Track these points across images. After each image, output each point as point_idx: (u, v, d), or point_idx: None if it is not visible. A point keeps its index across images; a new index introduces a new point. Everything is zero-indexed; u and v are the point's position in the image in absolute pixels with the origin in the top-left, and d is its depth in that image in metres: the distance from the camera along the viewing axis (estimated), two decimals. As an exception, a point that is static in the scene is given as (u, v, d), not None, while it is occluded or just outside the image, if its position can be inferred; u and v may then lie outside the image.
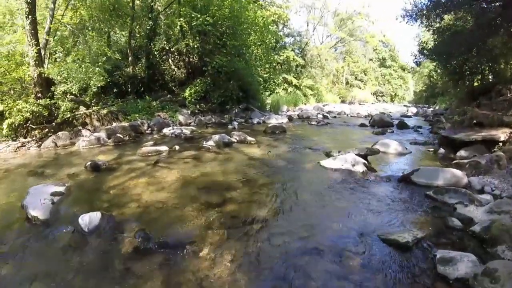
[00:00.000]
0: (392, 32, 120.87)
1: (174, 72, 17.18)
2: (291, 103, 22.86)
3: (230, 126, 11.73)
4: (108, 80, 13.52)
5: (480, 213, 3.43)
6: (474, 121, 7.80)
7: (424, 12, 13.49)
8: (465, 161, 5.35)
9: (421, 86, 53.47)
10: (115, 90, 14.37)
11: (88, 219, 3.20)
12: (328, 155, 6.33)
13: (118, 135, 8.55)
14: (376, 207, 3.82)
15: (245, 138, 8.23)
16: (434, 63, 25.09)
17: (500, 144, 6.11)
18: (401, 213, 3.65)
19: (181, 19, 14.33)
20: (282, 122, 13.40)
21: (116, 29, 15.13)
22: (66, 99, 10.04)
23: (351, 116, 18.99)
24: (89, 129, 9.67)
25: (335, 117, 17.81)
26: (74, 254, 2.85)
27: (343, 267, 2.58)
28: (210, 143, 7.61)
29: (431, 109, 26.16)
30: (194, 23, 13.65)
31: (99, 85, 12.71)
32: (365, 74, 51.10)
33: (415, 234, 2.96)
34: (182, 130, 9.96)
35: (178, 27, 14.84)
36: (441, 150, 6.97)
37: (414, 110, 25.99)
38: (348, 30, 43.01)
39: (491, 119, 7.28)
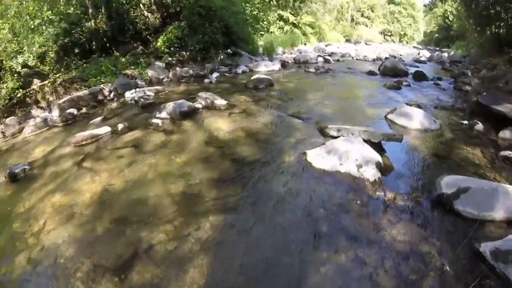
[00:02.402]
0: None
1: (147, 19, 14.60)
2: (288, 44, 19.98)
3: (206, 80, 9.45)
4: (67, 40, 11.68)
5: None
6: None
7: None
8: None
9: (432, 27, 50.28)
10: (76, 50, 12.11)
11: None
12: (322, 132, 4.31)
13: (69, 110, 6.84)
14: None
15: (213, 102, 6.06)
16: (451, 2, 22.33)
17: None
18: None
19: None
20: (273, 70, 11.08)
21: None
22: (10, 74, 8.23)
23: (357, 59, 16.29)
24: (42, 107, 7.90)
25: (338, 60, 15.09)
26: None
27: None
28: (163, 115, 5.57)
29: (446, 54, 23.51)
30: None
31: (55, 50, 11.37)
32: (372, 11, 47.83)
33: None
34: (145, 93, 7.85)
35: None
36: (479, 126, 4.93)
37: (427, 54, 23.38)
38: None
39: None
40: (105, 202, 3.10)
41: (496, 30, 14.02)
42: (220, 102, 6.08)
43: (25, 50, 10.30)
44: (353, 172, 3.10)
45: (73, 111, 6.85)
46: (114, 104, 7.62)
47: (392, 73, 10.26)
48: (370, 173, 3.06)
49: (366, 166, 3.12)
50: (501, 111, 4.84)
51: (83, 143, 4.87)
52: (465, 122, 5.20)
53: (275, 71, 11.01)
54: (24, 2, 9.90)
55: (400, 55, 20.95)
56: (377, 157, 3.30)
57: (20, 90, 8.16)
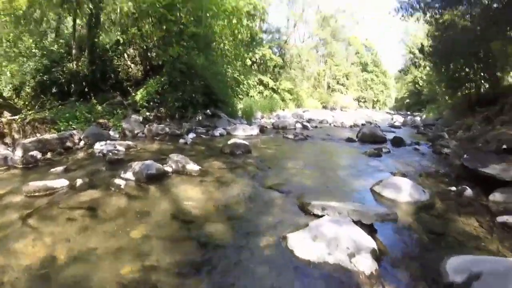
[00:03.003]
0: (374, 35, 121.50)
1: (130, 69, 14.50)
2: (267, 109, 20.10)
3: (182, 140, 8.99)
4: (46, 77, 11.49)
5: None
6: (504, 146, 5.63)
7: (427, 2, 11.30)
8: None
9: (403, 93, 52.66)
10: (54, 90, 11.96)
11: None
12: (305, 209, 3.78)
13: (33, 152, 6.35)
14: None
15: (184, 166, 5.55)
16: (420, 69, 23.44)
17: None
18: None
19: (129, 3, 11.60)
20: (251, 135, 10.83)
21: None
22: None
23: (334, 125, 16.42)
24: (6, 143, 7.50)
25: (316, 126, 15.15)
26: None
27: None
28: (128, 175, 5.00)
29: (418, 118, 24.24)
30: (144, 5, 10.98)
31: (31, 85, 11.46)
32: (347, 79, 49.95)
33: None
34: (116, 147, 7.40)
35: (125, 9, 12.01)
36: (468, 192, 4.64)
37: (400, 118, 24.07)
38: (331, 30, 40.77)
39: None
40: (41, 275, 2.50)
41: (467, 91, 14.47)
42: (192, 167, 5.57)
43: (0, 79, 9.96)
44: (345, 263, 2.57)
45: (37, 154, 6.38)
46: (81, 154, 7.12)
47: (371, 139, 10.16)
48: (365, 264, 2.54)
49: (359, 255, 2.61)
50: (489, 174, 4.62)
51: (35, 194, 4.30)
52: (453, 188, 4.90)
53: (253, 136, 10.76)
54: (5, 27, 9.63)
55: (375, 120, 21.44)
56: (371, 243, 2.81)
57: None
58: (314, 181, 5.36)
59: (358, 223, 3.20)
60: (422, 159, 7.64)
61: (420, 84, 37.57)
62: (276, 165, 6.63)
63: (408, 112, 39.02)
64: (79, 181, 4.69)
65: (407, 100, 47.81)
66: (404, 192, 4.47)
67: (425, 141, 10.62)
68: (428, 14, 12.63)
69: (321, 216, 3.42)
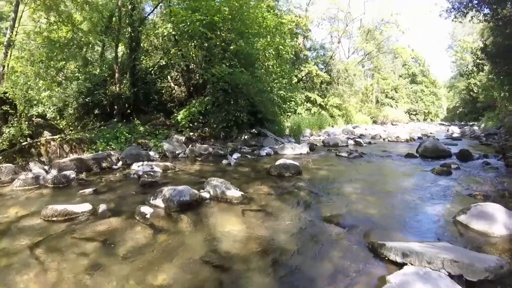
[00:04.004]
0: (421, 44, 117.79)
1: (173, 91, 14.48)
2: (315, 126, 19.44)
3: (225, 161, 8.43)
4: (88, 100, 11.79)
5: None
6: None
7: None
8: None
9: (455, 102, 49.96)
10: (96, 111, 12.29)
11: None
12: (376, 252, 2.99)
13: (66, 172, 6.28)
14: None
15: (224, 192, 4.90)
16: (477, 75, 21.94)
17: None
18: None
19: (168, 25, 11.50)
20: (301, 153, 10.15)
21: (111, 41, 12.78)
22: (21, 121, 7.83)
23: (389, 140, 15.26)
24: (43, 161, 7.61)
25: (369, 142, 14.06)
26: None
27: None
28: (158, 202, 4.52)
29: (476, 127, 22.57)
30: (185, 26, 10.80)
31: (74, 107, 11.87)
32: (396, 92, 48.29)
33: None
34: (152, 168, 7.12)
35: (166, 33, 11.93)
36: None
37: (456, 129, 22.52)
38: (376, 42, 39.55)
39: None
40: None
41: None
42: (233, 193, 4.92)
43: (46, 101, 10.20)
44: None
45: (71, 174, 6.32)
46: (117, 175, 6.82)
47: (434, 154, 9.23)
48: None
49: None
50: None
51: (53, 218, 4.02)
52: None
53: (303, 154, 10.08)
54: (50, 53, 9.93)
55: (431, 133, 20.26)
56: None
57: (28, 139, 7.79)
58: (380, 210, 4.48)
59: (457, 278, 2.39)
60: (498, 175, 6.66)
61: (475, 91, 35.22)
62: (332, 189, 5.79)
63: (463, 122, 36.78)
64: (101, 207, 4.33)
65: (460, 109, 45.15)
66: (497, 222, 3.60)
67: (493, 153, 9.56)
68: (485, 11, 11.51)
69: (402, 265, 2.66)
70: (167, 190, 4.59)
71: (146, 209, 4.20)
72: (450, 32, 44.60)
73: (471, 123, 30.59)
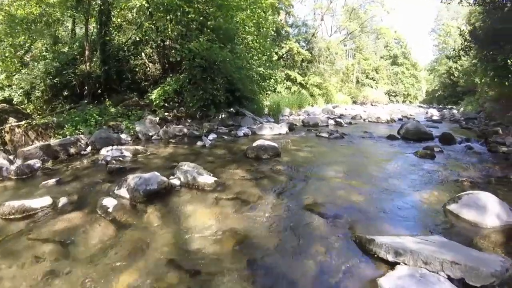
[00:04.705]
0: (404, 26, 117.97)
1: (148, 69, 13.71)
2: (295, 105, 19.11)
3: (199, 143, 7.95)
4: (56, 81, 10.96)
5: None
6: None
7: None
8: None
9: (434, 85, 50.37)
10: (65, 93, 11.46)
11: None
12: (365, 248, 2.65)
13: (31, 161, 5.68)
14: None
15: (195, 178, 4.45)
16: (462, 58, 21.97)
17: None
18: None
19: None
20: (279, 134, 9.80)
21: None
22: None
23: (369, 121, 15.06)
24: (8, 150, 7.04)
25: (350, 123, 13.78)
26: None
27: None
28: (122, 192, 4.05)
29: (455, 111, 22.65)
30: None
31: (42, 89, 11.03)
32: (377, 73, 48.30)
33: None
34: (122, 152, 6.60)
35: (139, 5, 11.11)
36: None
37: (436, 112, 22.56)
38: (360, 21, 39.11)
39: None
40: None
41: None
42: (206, 179, 4.47)
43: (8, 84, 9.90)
44: None
45: (36, 163, 5.70)
46: (84, 162, 6.26)
47: (416, 137, 8.99)
48: None
49: None
50: None
51: (10, 216, 3.55)
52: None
53: (282, 135, 9.71)
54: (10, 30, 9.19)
55: (410, 115, 20.16)
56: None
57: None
58: (365, 198, 4.10)
59: (457, 281, 2.08)
60: (481, 161, 6.46)
61: (456, 75, 35.39)
62: (313, 173, 5.39)
63: (441, 106, 37.14)
64: (62, 201, 3.89)
65: (440, 93, 45.51)
66: (489, 212, 3.32)
67: (475, 137, 9.38)
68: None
69: (394, 264, 2.33)
70: (132, 179, 4.11)
71: (109, 202, 3.73)
72: (435, 16, 44.39)
73: (449, 107, 30.79)
